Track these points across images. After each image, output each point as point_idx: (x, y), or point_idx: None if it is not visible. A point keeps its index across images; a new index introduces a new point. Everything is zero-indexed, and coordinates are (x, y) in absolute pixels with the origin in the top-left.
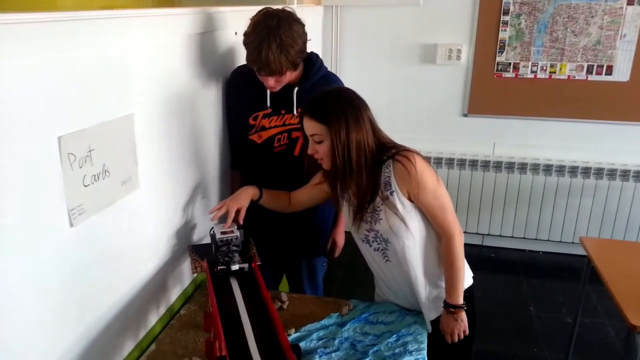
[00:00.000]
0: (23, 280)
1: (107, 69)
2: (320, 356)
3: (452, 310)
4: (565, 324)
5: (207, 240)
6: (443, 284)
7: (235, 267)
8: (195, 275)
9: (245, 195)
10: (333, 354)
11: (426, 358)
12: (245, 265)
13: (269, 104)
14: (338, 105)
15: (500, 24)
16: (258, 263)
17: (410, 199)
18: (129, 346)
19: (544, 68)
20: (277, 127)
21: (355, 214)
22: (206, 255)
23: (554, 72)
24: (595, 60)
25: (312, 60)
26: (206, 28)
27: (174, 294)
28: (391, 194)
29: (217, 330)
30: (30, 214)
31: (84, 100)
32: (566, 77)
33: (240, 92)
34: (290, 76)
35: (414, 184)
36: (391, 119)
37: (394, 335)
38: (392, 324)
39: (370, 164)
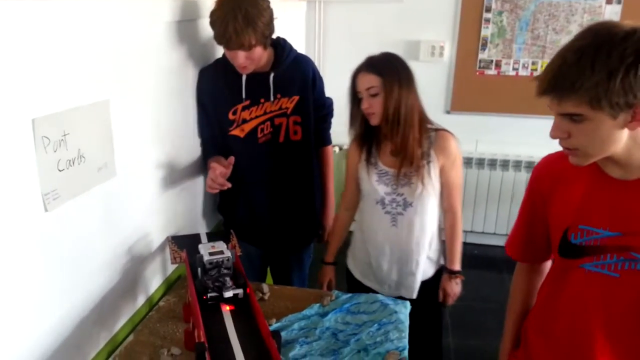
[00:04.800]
0: None
1: (83, 52)
2: (301, 345)
3: (454, 275)
4: None
5: (187, 231)
6: (434, 256)
7: (228, 294)
8: (175, 266)
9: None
10: (314, 343)
11: (407, 346)
12: (240, 291)
13: (244, 95)
14: (393, 63)
15: (483, 21)
16: (239, 254)
17: (439, 173)
18: (105, 337)
19: (526, 65)
20: (258, 117)
21: (382, 173)
22: (186, 246)
23: (536, 70)
24: None
25: (281, 45)
26: (186, 16)
27: (153, 285)
28: (428, 163)
29: (196, 319)
30: (3, 197)
31: (58, 83)
32: None
33: (214, 90)
34: (260, 54)
35: (451, 159)
36: None
37: (375, 324)
38: (374, 314)
39: (417, 126)
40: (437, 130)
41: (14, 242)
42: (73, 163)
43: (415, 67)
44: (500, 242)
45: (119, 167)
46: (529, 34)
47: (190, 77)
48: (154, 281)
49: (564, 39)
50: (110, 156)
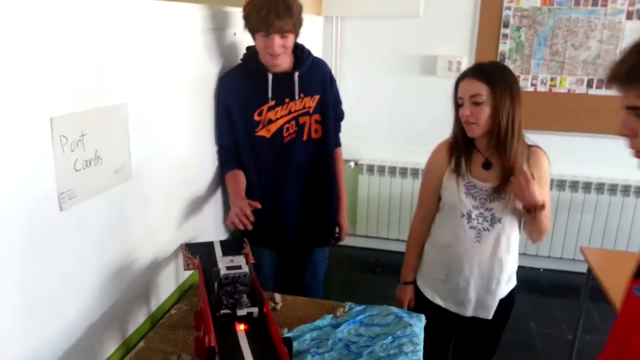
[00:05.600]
0: (9, 261)
1: (104, 55)
2: (312, 356)
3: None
4: (565, 341)
5: (201, 239)
6: (513, 274)
7: (242, 312)
8: (187, 274)
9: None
10: (326, 355)
11: (422, 359)
12: (255, 310)
13: (270, 95)
14: (505, 75)
15: (500, 37)
16: (252, 262)
17: None
18: (116, 342)
19: (544, 81)
20: (283, 117)
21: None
22: (199, 254)
23: (554, 86)
24: (596, 74)
25: (300, 48)
26: (210, 24)
27: (166, 292)
28: None
29: (207, 325)
30: (19, 195)
31: (77, 84)
32: (566, 91)
33: (240, 93)
34: (292, 44)
35: (542, 176)
36: (391, 130)
37: (390, 337)
38: (388, 327)
39: (519, 140)
40: (529, 145)
41: (27, 240)
42: (90, 164)
43: (432, 82)
44: (519, 262)
45: (135, 171)
46: (548, 49)
47: (210, 85)
48: (166, 288)
49: (583, 55)
50: (127, 159)
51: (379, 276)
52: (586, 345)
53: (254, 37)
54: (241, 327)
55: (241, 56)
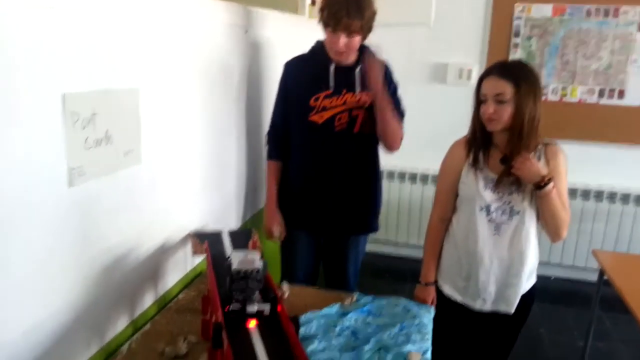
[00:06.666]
0: (17, 234)
1: (119, 38)
2: (319, 341)
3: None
4: (576, 348)
5: (213, 224)
6: (533, 268)
7: (252, 308)
8: (195, 263)
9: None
10: (333, 340)
11: (430, 348)
12: (267, 307)
13: (331, 84)
14: (530, 75)
15: (511, 46)
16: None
17: None
18: (123, 322)
19: (555, 91)
20: (337, 106)
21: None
22: (208, 242)
23: (565, 95)
24: (607, 84)
25: (365, 46)
26: (226, 20)
27: (173, 278)
28: None
29: (215, 304)
30: (30, 168)
31: (91, 64)
32: (577, 101)
33: (302, 76)
34: (356, 45)
35: (558, 169)
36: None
37: (398, 326)
38: (396, 317)
39: (536, 138)
40: (545, 143)
41: (36, 214)
42: (100, 143)
43: (442, 90)
44: None
45: (144, 156)
46: (559, 59)
47: (223, 77)
48: (173, 275)
49: (595, 65)
50: (137, 144)
51: (388, 281)
52: (597, 352)
53: (324, 30)
54: (252, 324)
55: (252, 53)
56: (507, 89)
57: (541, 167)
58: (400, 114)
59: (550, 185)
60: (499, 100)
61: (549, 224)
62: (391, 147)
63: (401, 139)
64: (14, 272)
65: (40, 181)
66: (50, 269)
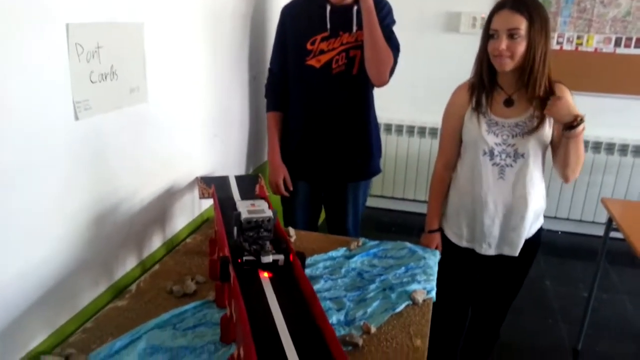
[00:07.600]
0: (26, 167)
1: None
2: (325, 281)
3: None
4: (581, 299)
5: (216, 174)
6: (539, 211)
7: (267, 259)
8: (204, 207)
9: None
10: (339, 280)
11: (435, 288)
12: (281, 257)
13: (327, 26)
14: (542, 10)
15: None
16: (266, 194)
17: (553, 125)
18: (132, 262)
19: (571, 39)
20: (334, 49)
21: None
22: (215, 186)
23: (581, 44)
24: (625, 33)
25: None
26: None
27: (181, 222)
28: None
29: (221, 240)
30: (36, 100)
31: None
32: (593, 50)
33: (299, 19)
34: None
35: None
36: (410, 89)
37: (403, 268)
38: (402, 259)
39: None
40: (551, 82)
41: (42, 146)
42: (105, 78)
43: (455, 39)
44: None
45: (151, 95)
46: (575, 6)
47: (227, 18)
48: (181, 219)
49: (612, 12)
50: (143, 81)
51: (394, 235)
52: (602, 303)
53: None
54: (265, 275)
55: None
56: (521, 23)
57: (574, 107)
58: (393, 47)
59: (582, 125)
60: (512, 35)
61: (570, 165)
62: (379, 76)
63: (391, 71)
64: (17, 207)
65: (47, 112)
66: (66, 203)
